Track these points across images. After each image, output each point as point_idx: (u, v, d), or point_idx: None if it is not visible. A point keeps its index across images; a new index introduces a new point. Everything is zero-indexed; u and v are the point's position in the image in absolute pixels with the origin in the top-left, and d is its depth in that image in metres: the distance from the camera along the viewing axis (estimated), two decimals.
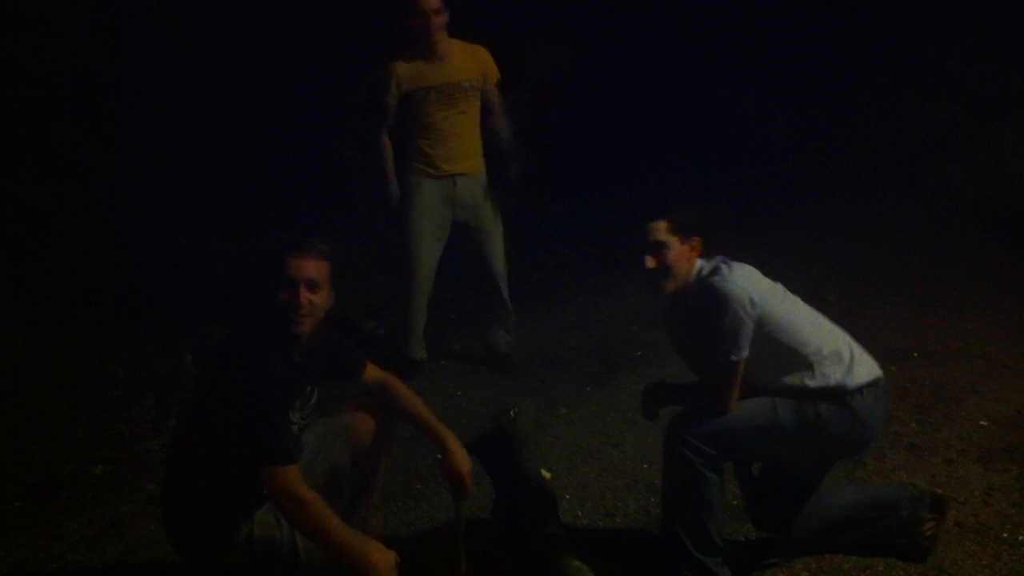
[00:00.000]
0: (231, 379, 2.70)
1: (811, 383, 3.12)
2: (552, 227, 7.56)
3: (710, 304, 3.08)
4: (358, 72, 8.35)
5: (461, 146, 4.88)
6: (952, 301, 6.01)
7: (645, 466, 4.18)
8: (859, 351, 3.24)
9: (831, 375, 3.12)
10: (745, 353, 3.07)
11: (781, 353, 3.12)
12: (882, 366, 4.94)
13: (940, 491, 3.59)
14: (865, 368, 3.20)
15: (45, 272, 5.91)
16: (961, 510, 3.77)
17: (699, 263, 3.23)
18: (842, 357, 3.16)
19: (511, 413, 4.16)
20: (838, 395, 3.12)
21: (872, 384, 3.18)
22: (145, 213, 6.81)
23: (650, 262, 3.17)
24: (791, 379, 3.13)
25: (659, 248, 3.16)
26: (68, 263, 6.11)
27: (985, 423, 4.47)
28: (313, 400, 3.00)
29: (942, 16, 10.70)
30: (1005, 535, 3.61)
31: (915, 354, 5.23)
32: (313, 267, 2.80)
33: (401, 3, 4.73)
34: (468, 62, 4.82)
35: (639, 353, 5.40)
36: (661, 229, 3.17)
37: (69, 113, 7.02)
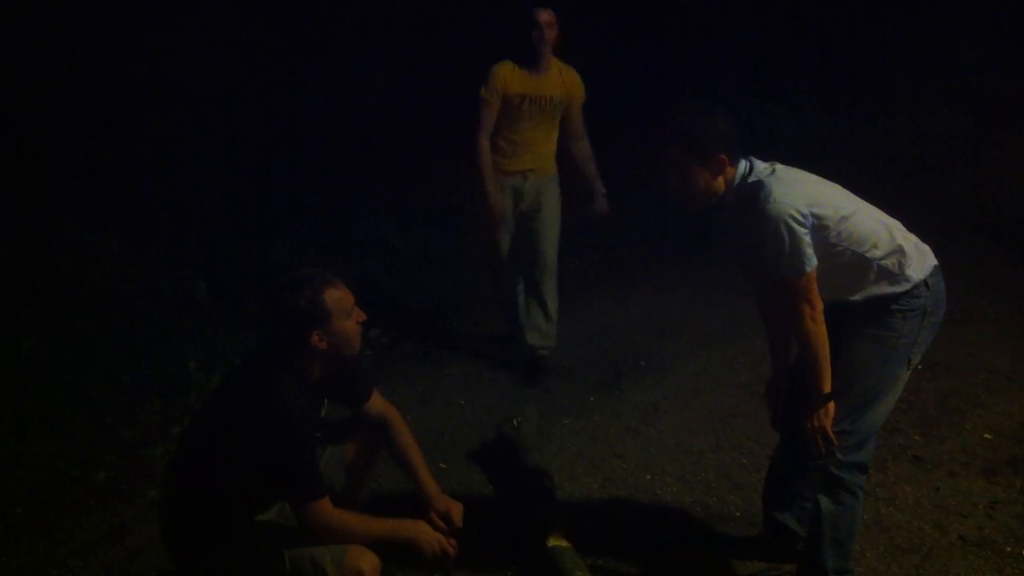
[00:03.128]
0: (262, 413, 2.70)
1: (883, 289, 3.02)
2: None
3: (760, 228, 2.89)
4: (359, 73, 8.42)
5: (535, 153, 5.03)
6: (958, 312, 5.94)
7: (648, 477, 4.18)
8: (912, 238, 3.11)
9: (899, 274, 3.01)
10: (812, 263, 2.89)
11: (848, 260, 2.98)
12: None
13: None
14: (925, 254, 3.10)
15: (51, 274, 5.90)
16: (965, 523, 3.77)
17: (736, 172, 3.01)
18: (905, 251, 3.03)
19: (514, 422, 4.20)
20: (912, 295, 3.03)
21: (934, 272, 3.11)
22: (150, 214, 6.82)
23: (675, 183, 2.99)
24: (863, 291, 3.02)
25: (681, 173, 2.97)
26: (75, 265, 6.10)
27: (989, 436, 4.46)
28: (322, 416, 3.02)
29: (949, 25, 10.72)
30: (1008, 549, 3.61)
31: (919, 366, 5.20)
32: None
33: (519, 12, 4.94)
34: (560, 80, 4.99)
35: (643, 363, 5.39)
36: (674, 157, 2.95)
37: (73, 114, 7.04)
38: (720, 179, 2.99)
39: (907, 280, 3.02)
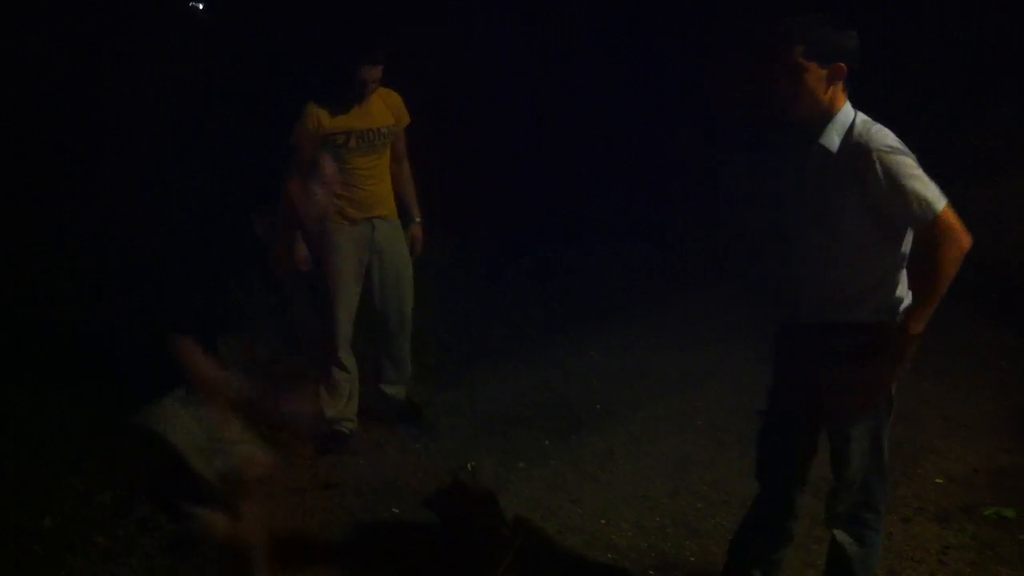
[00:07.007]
0: None
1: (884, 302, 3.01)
2: (519, 281, 7.56)
3: (886, 173, 2.74)
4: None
5: (379, 192, 4.72)
6: (912, 361, 6.02)
7: (603, 522, 4.17)
8: None
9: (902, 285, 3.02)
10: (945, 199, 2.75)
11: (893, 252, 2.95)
12: None
13: None
14: None
15: (6, 320, 5.83)
16: (918, 569, 3.79)
17: (849, 108, 2.85)
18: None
19: (468, 467, 4.19)
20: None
21: None
22: (117, 255, 6.78)
23: (783, 84, 2.79)
24: (873, 300, 2.99)
25: (794, 72, 2.77)
26: (32, 310, 6.04)
27: (942, 482, 4.49)
28: None
29: (890, 79, 10.91)
30: None
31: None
32: None
33: (342, 62, 4.53)
34: (384, 108, 4.66)
35: (600, 408, 5.39)
36: (798, 51, 2.74)
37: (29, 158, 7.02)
38: (830, 94, 2.82)
39: (899, 301, 3.03)
